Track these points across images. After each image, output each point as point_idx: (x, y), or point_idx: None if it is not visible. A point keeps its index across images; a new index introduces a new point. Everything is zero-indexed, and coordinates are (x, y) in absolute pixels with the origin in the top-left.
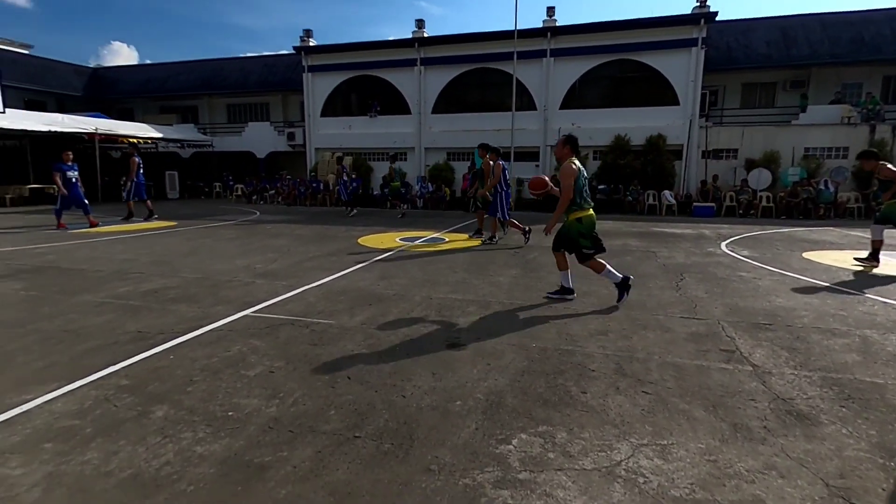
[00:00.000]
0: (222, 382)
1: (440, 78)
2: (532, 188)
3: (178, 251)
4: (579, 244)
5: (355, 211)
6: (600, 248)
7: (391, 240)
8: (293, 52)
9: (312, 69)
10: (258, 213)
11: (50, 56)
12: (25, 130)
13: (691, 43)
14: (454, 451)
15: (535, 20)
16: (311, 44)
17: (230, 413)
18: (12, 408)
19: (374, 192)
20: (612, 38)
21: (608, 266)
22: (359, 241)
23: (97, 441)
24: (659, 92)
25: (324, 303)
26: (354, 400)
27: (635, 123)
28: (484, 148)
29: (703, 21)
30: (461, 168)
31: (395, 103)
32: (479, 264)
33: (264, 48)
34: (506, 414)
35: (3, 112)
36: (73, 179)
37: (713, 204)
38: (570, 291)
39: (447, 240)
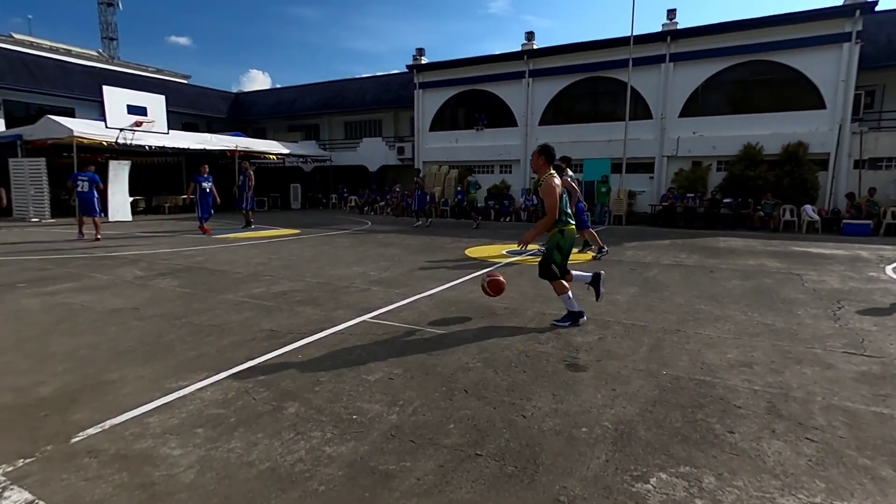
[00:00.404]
0: (346, 385)
1: (548, 89)
2: (491, 288)
3: (301, 257)
4: (552, 257)
5: (429, 222)
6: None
7: (498, 252)
8: (406, 70)
9: (423, 86)
10: (370, 223)
11: (203, 84)
12: (182, 148)
13: (843, 38)
14: (584, 483)
15: (648, 26)
16: (422, 62)
17: (354, 416)
18: (171, 392)
19: (479, 205)
20: (744, 38)
21: (570, 294)
22: (466, 252)
23: (239, 431)
24: (799, 94)
25: (436, 312)
26: (473, 415)
27: (769, 130)
28: (565, 161)
29: (858, 12)
30: None
31: (501, 116)
32: None
33: (379, 69)
34: (639, 447)
35: (168, 133)
36: (207, 189)
37: (869, 221)
38: (581, 314)
39: None
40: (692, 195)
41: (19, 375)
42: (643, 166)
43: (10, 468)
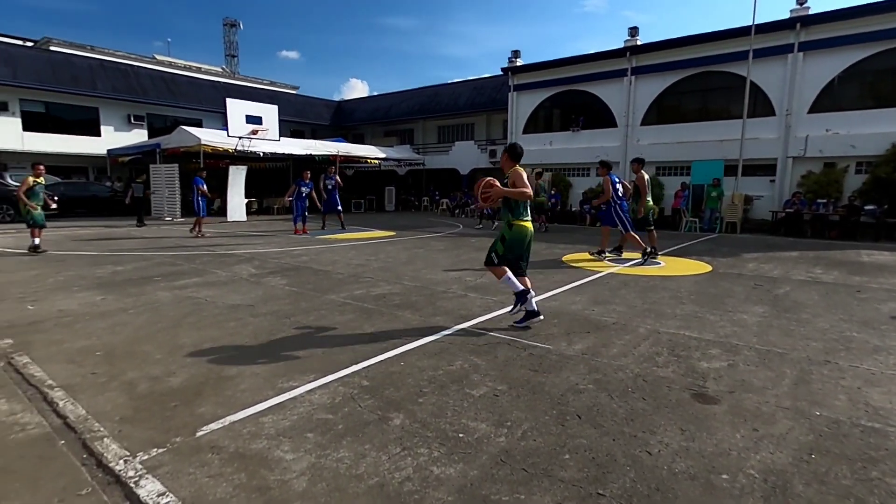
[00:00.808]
0: (450, 399)
1: (652, 87)
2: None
3: (398, 259)
4: (495, 246)
5: (494, 225)
6: (512, 265)
7: (597, 260)
8: (500, 73)
9: (518, 88)
10: (461, 226)
11: (309, 94)
12: (291, 154)
13: None
14: None
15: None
16: (518, 64)
17: (461, 435)
18: (283, 392)
19: (573, 208)
20: (893, 21)
21: (510, 274)
22: (563, 259)
23: (347, 440)
24: None
25: (538, 324)
26: (590, 446)
27: None
28: (604, 165)
29: None
30: (671, 184)
31: (598, 117)
32: (711, 296)
33: (470, 74)
34: None
35: (279, 140)
36: (304, 194)
37: None
38: (536, 313)
39: (662, 263)
40: (823, 201)
41: (154, 365)
42: (762, 168)
43: (146, 456)
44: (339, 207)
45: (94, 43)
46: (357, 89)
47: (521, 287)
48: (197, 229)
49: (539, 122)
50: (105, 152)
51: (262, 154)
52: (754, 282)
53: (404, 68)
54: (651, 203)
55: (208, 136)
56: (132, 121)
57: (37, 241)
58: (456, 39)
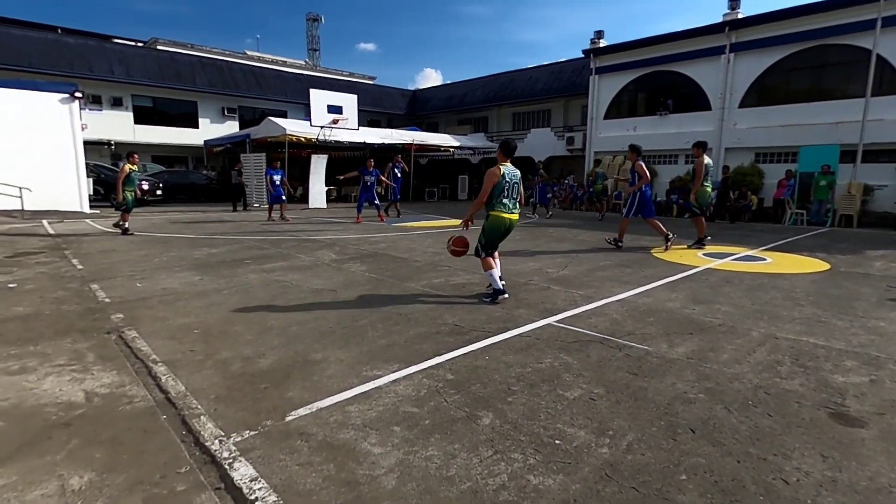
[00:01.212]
0: (541, 400)
1: (754, 65)
2: (455, 246)
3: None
4: (479, 238)
5: (549, 214)
6: (491, 252)
7: (691, 254)
8: (579, 56)
9: (600, 70)
10: (537, 216)
11: (385, 84)
12: (368, 143)
13: None
14: None
15: None
16: (600, 45)
17: (557, 441)
18: (368, 381)
19: (658, 198)
20: None
21: (497, 269)
22: (652, 252)
23: (435, 437)
24: None
25: (631, 323)
26: (709, 466)
27: None
28: (634, 150)
29: None
30: (774, 172)
31: (689, 99)
32: (835, 298)
33: (546, 59)
34: None
35: (357, 129)
36: (369, 183)
37: None
38: (502, 292)
39: (769, 259)
40: None
41: (245, 346)
42: (886, 154)
43: (239, 438)
44: (398, 196)
45: (195, 41)
46: (431, 78)
47: (500, 286)
48: (280, 215)
49: (622, 107)
50: (202, 143)
51: (341, 143)
52: (887, 283)
53: (478, 56)
54: (709, 189)
55: (292, 126)
56: (225, 113)
57: (126, 223)
58: (532, 24)
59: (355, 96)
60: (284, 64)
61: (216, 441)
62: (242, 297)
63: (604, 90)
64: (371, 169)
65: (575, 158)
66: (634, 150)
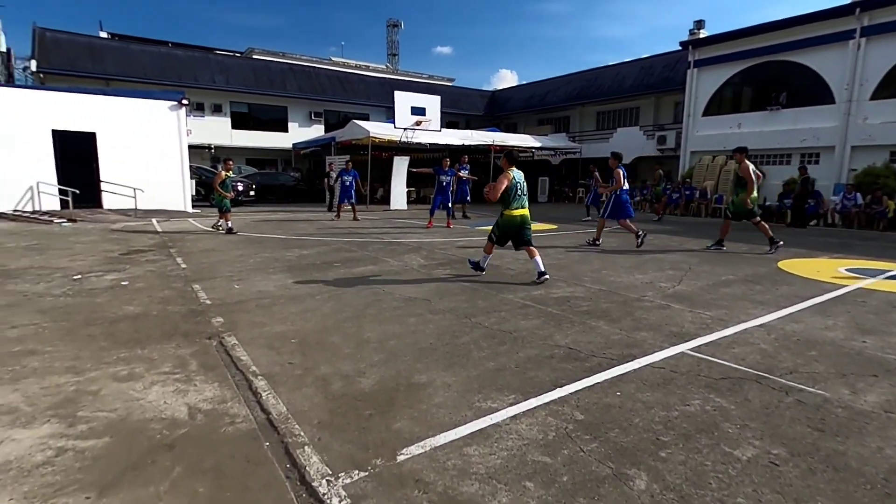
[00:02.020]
0: (705, 459)
1: (891, 50)
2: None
3: (569, 256)
4: (493, 230)
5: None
6: (502, 243)
7: (831, 269)
8: (671, 51)
9: (699, 63)
10: (590, 217)
11: (462, 86)
12: (448, 144)
13: None
14: None
15: None
16: (700, 35)
17: None
18: (483, 414)
19: (767, 203)
20: None
21: (489, 255)
22: (779, 265)
23: (581, 503)
24: None
25: (788, 356)
26: None
27: None
28: (616, 157)
29: None
30: None
31: (806, 92)
32: None
33: (628, 55)
34: None
35: (440, 130)
36: (444, 183)
37: None
38: (481, 269)
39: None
40: None
41: (344, 360)
42: None
43: (349, 480)
44: (460, 199)
45: (286, 50)
46: (506, 79)
47: (483, 268)
48: (352, 215)
49: (724, 103)
50: (291, 146)
51: (422, 145)
52: None
53: (556, 55)
54: (755, 195)
55: (376, 129)
56: (312, 117)
57: (229, 223)
58: (613, 20)
59: (438, 97)
60: (367, 69)
61: (324, 481)
62: (335, 304)
63: (703, 85)
64: (446, 168)
65: (666, 159)
66: (616, 157)
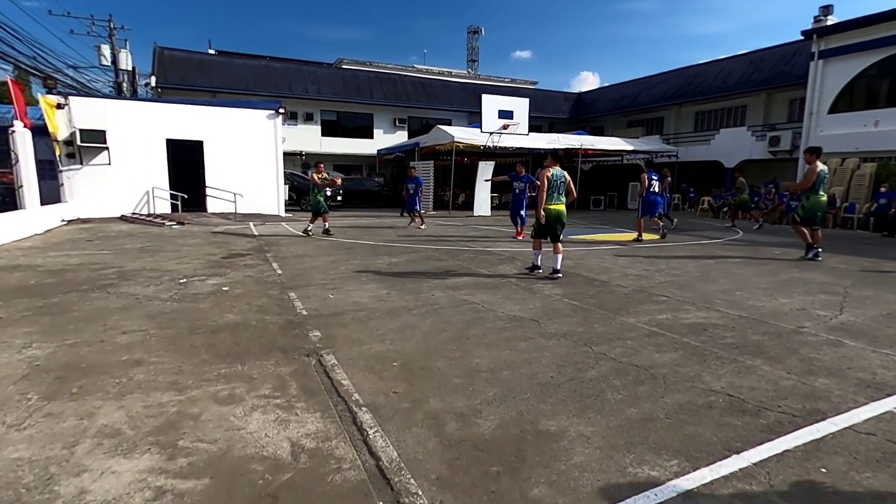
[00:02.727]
0: None
1: None
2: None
3: (686, 272)
4: (534, 225)
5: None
6: (542, 236)
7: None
8: (786, 42)
9: (826, 54)
10: (740, 231)
11: (545, 88)
12: (534, 149)
13: None
14: None
15: None
16: (828, 23)
17: None
18: (644, 488)
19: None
20: None
21: (538, 252)
22: None
23: None
24: None
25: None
26: None
27: None
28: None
29: None
30: None
31: None
32: None
33: (722, 53)
34: None
35: (528, 134)
36: (517, 191)
37: None
38: (537, 268)
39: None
40: None
41: (454, 393)
42: None
43: None
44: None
45: (372, 59)
46: (588, 81)
47: (538, 263)
48: (416, 221)
49: (857, 98)
50: (375, 152)
51: (506, 149)
52: None
53: (641, 55)
54: (823, 199)
55: (460, 134)
56: (396, 124)
57: (326, 224)
58: (704, 15)
59: (527, 100)
60: (449, 75)
61: None
62: (435, 321)
63: (831, 78)
64: (522, 174)
65: (778, 162)
66: (812, 151)
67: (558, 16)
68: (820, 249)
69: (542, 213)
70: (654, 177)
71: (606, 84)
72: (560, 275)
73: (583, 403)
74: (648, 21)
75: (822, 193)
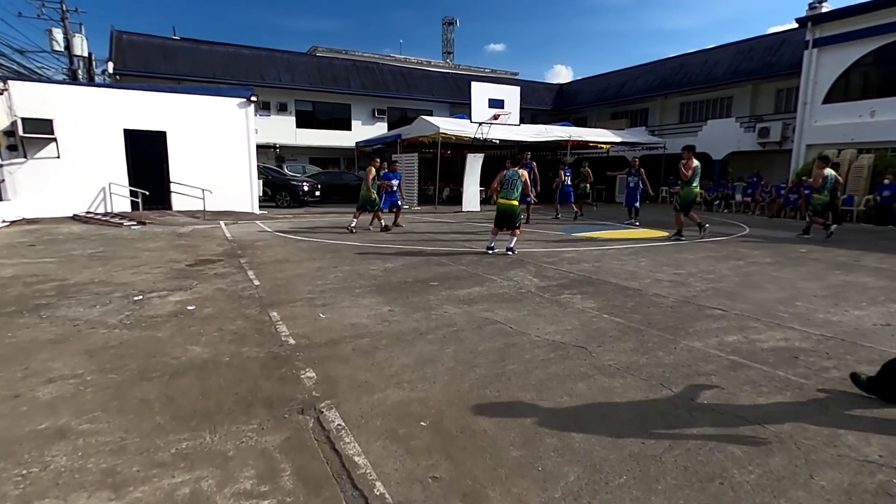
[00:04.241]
0: None
1: None
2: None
3: (723, 276)
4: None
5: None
6: (498, 226)
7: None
8: (777, 31)
9: (820, 42)
10: (746, 227)
11: (526, 79)
12: (520, 141)
13: None
14: None
15: None
16: (822, 10)
17: None
18: None
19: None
20: None
21: (494, 237)
22: None
23: None
24: None
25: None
26: None
27: None
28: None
29: None
30: None
31: None
32: None
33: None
34: None
35: (519, 125)
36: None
37: None
38: (492, 248)
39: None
40: None
41: (520, 477)
42: None
43: None
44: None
45: (347, 48)
46: (562, 75)
47: (492, 246)
48: (393, 221)
49: (852, 87)
50: (353, 144)
51: (493, 141)
52: None
53: (613, 48)
54: (697, 188)
55: (446, 125)
56: (376, 115)
57: (382, 221)
58: (674, 10)
59: (517, 88)
60: (428, 64)
61: None
62: (458, 350)
63: (826, 67)
64: (528, 161)
65: (768, 154)
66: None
67: (531, 9)
68: (707, 226)
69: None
70: (567, 172)
71: (580, 77)
72: (511, 252)
73: (707, 493)
74: (619, 15)
75: (695, 185)
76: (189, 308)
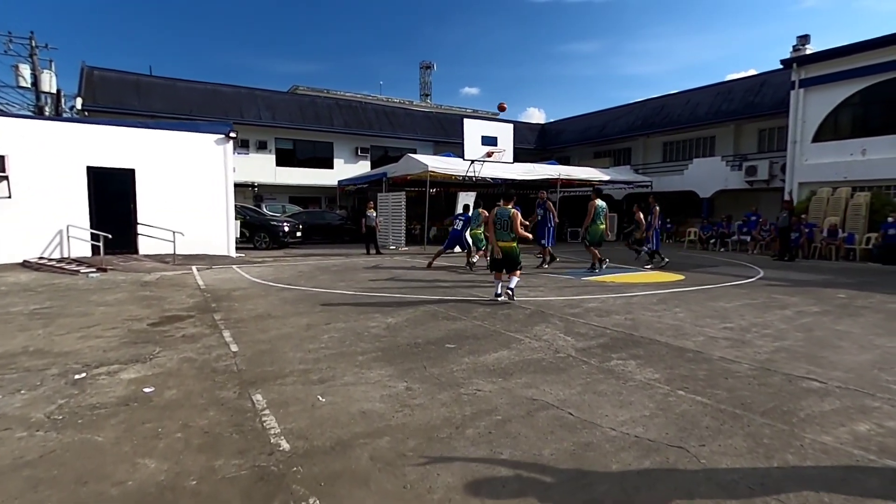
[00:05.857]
0: None
1: None
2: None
3: (777, 328)
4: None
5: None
6: (497, 268)
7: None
8: (757, 73)
9: (806, 83)
10: (759, 269)
11: (509, 119)
12: (508, 179)
13: None
14: None
15: None
16: (807, 52)
17: None
18: None
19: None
20: None
21: (498, 281)
22: None
23: None
24: None
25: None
26: None
27: None
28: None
29: None
30: None
31: None
32: None
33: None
34: None
35: (512, 163)
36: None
37: None
38: (499, 295)
39: None
40: None
41: None
42: None
43: None
44: (548, 242)
45: (329, 88)
46: (534, 117)
47: (498, 292)
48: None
49: (841, 126)
50: (336, 183)
51: (484, 179)
52: None
53: (584, 93)
54: (602, 226)
55: (434, 163)
56: (359, 153)
57: (475, 258)
58: (640, 57)
59: (511, 126)
60: (411, 104)
61: None
62: (516, 455)
63: (813, 107)
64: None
65: (755, 192)
66: (597, 193)
67: (505, 55)
68: (606, 261)
69: (497, 248)
70: (541, 206)
71: (579, 114)
72: (511, 291)
73: None
74: (590, 62)
75: (600, 222)
76: (145, 391)
